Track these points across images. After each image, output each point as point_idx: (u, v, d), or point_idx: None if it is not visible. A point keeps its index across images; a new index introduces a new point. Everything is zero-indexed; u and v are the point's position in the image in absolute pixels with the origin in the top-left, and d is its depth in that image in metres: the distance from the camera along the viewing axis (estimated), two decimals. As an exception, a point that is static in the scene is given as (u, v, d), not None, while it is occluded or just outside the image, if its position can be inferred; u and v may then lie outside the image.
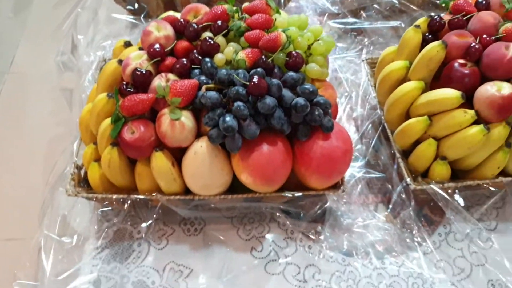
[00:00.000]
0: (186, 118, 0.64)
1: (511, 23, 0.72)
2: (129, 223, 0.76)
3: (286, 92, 0.65)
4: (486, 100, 0.68)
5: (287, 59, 0.68)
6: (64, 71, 0.99)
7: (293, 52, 0.68)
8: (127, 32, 1.08)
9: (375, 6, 1.07)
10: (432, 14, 0.79)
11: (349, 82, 0.99)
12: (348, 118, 0.93)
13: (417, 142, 0.75)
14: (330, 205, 0.77)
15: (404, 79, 0.78)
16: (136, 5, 1.05)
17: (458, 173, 0.76)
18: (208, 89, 0.65)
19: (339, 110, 0.92)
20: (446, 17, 0.79)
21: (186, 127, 0.64)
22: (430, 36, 0.78)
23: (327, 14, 1.13)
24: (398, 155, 0.77)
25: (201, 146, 0.65)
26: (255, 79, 0.63)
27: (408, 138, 0.75)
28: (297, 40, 0.70)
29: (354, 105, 0.95)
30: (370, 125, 0.90)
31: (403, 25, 1.04)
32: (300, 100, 0.64)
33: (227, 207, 0.76)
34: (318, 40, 0.71)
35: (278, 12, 0.75)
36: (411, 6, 1.06)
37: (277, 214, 0.76)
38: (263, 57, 0.67)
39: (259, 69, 0.65)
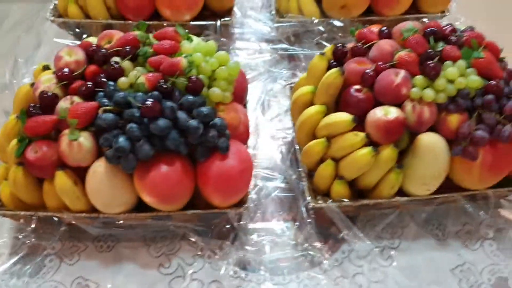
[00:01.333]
0: (85, 139, 0.68)
1: (405, 51, 0.76)
2: (43, 239, 0.79)
3: (182, 115, 0.68)
4: (374, 124, 0.72)
5: (187, 83, 0.72)
6: (2, 92, 1.03)
7: (193, 77, 0.72)
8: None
9: (308, 33, 1.12)
10: (339, 43, 0.83)
11: (278, 105, 1.03)
12: (274, 139, 0.97)
13: (321, 162, 0.79)
14: (239, 222, 0.80)
15: (311, 103, 0.82)
16: (77, 30, 1.09)
17: (363, 193, 0.80)
18: (107, 111, 0.68)
19: (266, 131, 0.96)
20: (350, 45, 0.83)
21: (83, 147, 0.68)
22: (334, 63, 0.82)
23: (266, 40, 1.17)
24: (302, 174, 0.81)
25: (100, 166, 0.69)
26: (148, 102, 0.66)
27: (311, 159, 0.79)
28: (201, 65, 0.74)
29: (280, 127, 0.99)
30: (289, 145, 0.93)
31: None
32: (193, 122, 0.67)
33: (139, 225, 0.79)
34: (222, 66, 0.75)
35: (189, 39, 0.79)
36: (340, 34, 1.10)
37: (188, 232, 0.79)
38: (161, 81, 0.71)
39: (155, 92, 0.69)
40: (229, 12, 1.13)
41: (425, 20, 1.11)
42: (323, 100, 0.79)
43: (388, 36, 0.82)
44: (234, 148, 0.72)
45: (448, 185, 0.78)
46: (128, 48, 0.75)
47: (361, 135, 0.73)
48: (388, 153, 0.72)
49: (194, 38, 0.82)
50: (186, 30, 0.81)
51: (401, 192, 0.77)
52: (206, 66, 0.74)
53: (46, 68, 0.81)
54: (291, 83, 0.97)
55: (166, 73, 0.72)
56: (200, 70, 0.74)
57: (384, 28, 0.82)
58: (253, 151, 0.90)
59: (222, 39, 1.10)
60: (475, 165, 0.73)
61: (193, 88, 0.71)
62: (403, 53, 0.76)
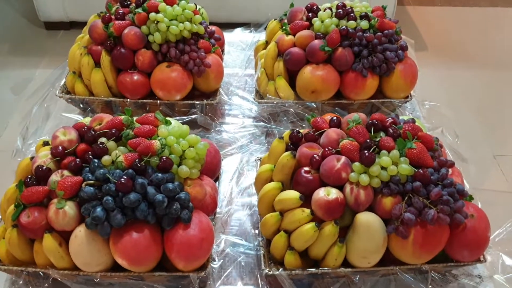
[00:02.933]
0: (70, 208, 0.81)
1: (349, 140, 0.89)
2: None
3: (151, 189, 0.81)
4: (317, 202, 0.84)
5: (159, 162, 0.85)
6: (14, 157, 1.18)
7: (163, 157, 0.85)
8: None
9: (284, 113, 1.26)
10: (295, 129, 0.97)
11: (251, 176, 1.15)
12: (244, 208, 1.08)
13: (277, 232, 0.90)
14: (202, 285, 0.90)
15: (271, 179, 0.94)
16: (81, 105, 1.25)
17: (316, 262, 0.90)
18: (88, 185, 0.81)
19: (238, 199, 1.08)
20: (305, 131, 0.96)
21: (68, 215, 0.80)
22: (291, 146, 0.95)
23: (248, 117, 1.31)
24: (260, 244, 0.91)
25: (80, 231, 0.81)
26: (123, 179, 0.79)
27: (268, 230, 0.90)
28: (173, 146, 0.87)
29: (250, 196, 1.10)
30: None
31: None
32: (159, 197, 0.80)
33: (117, 283, 0.90)
34: (191, 147, 0.89)
35: (167, 123, 0.94)
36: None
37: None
38: (137, 160, 0.84)
39: (130, 170, 0.82)
40: (216, 92, 1.28)
41: (387, 105, 1.25)
42: (279, 178, 0.91)
43: (338, 125, 0.95)
44: (197, 219, 0.84)
45: (392, 259, 0.88)
46: (113, 130, 0.89)
47: (307, 211, 0.84)
48: (329, 229, 0.83)
49: (173, 121, 0.96)
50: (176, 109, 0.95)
51: (347, 263, 0.87)
52: (178, 147, 0.88)
53: (45, 143, 0.95)
54: (260, 158, 1.09)
55: (142, 153, 0.86)
56: (172, 150, 0.87)
57: (335, 117, 0.95)
58: (225, 218, 1.02)
59: (209, 115, 1.25)
60: (408, 242, 0.83)
61: (163, 166, 0.84)
62: (346, 142, 0.88)
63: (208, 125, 1.25)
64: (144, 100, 1.23)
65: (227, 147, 1.22)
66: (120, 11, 1.23)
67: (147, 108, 1.24)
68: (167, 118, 0.95)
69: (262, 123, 1.28)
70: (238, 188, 1.10)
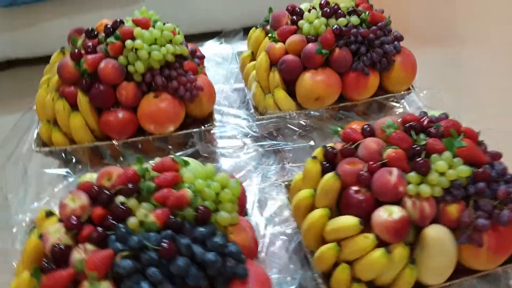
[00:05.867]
0: (105, 289, 0.68)
1: (392, 148, 0.81)
2: None
3: (197, 249, 0.69)
4: (382, 226, 0.75)
5: (196, 214, 0.73)
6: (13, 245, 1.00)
7: (200, 207, 0.73)
8: (59, 183, 1.10)
9: (289, 126, 1.17)
10: (327, 144, 0.88)
11: (273, 202, 1.05)
12: (277, 238, 0.98)
13: (335, 265, 0.80)
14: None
15: (313, 206, 0.85)
16: (64, 156, 1.10)
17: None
18: (123, 258, 0.69)
19: (268, 230, 0.98)
20: (338, 145, 0.88)
21: (105, 298, 0.67)
22: (327, 165, 0.86)
23: (249, 136, 1.21)
24: (319, 280, 0.82)
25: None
26: (164, 244, 0.67)
27: (325, 264, 0.80)
28: (204, 191, 0.76)
29: (279, 224, 1.01)
30: (294, 245, 0.95)
31: (313, 143, 1.14)
32: (211, 256, 0.68)
33: None
34: (225, 188, 0.78)
35: (186, 164, 0.82)
36: (320, 121, 1.16)
37: None
38: (171, 216, 0.72)
39: (168, 232, 0.70)
40: (210, 115, 1.16)
41: (392, 99, 1.19)
42: (324, 204, 0.83)
43: (371, 133, 0.87)
44: (252, 271, 0.73)
45: (460, 267, 0.81)
46: (130, 185, 0.77)
47: (371, 237, 0.76)
48: (400, 252, 0.75)
49: (190, 161, 0.84)
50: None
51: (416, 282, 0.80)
52: (209, 191, 0.76)
53: (49, 213, 0.80)
54: (286, 181, 1.00)
55: (174, 207, 0.74)
56: (204, 196, 0.76)
57: (366, 126, 0.88)
58: (265, 257, 0.91)
59: (208, 144, 1.13)
60: (482, 250, 0.77)
61: (202, 218, 0.73)
62: (390, 151, 0.81)
63: (211, 153, 1.13)
64: (135, 139, 1.09)
65: (236, 174, 1.11)
66: (88, 43, 1.08)
67: (139, 146, 1.11)
68: (185, 158, 0.83)
69: (265, 141, 1.18)
70: (266, 219, 1.00)
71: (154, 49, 1.05)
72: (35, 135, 1.11)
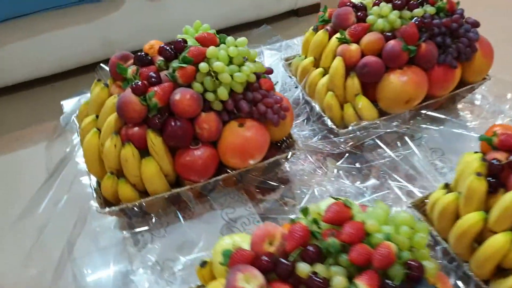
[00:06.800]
0: None
1: None
2: None
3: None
4: None
5: (407, 271, 0.59)
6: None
7: (411, 262, 0.60)
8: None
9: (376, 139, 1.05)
10: (488, 158, 0.77)
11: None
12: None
13: None
14: None
15: (483, 231, 0.74)
16: (135, 210, 0.90)
17: None
18: None
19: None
20: (496, 155, 0.77)
21: None
22: (493, 180, 0.75)
23: (327, 155, 1.06)
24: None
25: None
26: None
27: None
28: (400, 240, 0.62)
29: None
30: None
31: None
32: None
33: None
34: (420, 233, 0.64)
35: (352, 205, 0.67)
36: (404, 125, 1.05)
37: None
38: (387, 281, 0.58)
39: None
40: (289, 137, 1.02)
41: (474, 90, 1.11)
42: (506, 227, 0.72)
43: (531, 136, 0.77)
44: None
45: None
46: (311, 249, 0.61)
47: None
48: None
49: (355, 204, 0.70)
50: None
51: None
52: (404, 239, 0.63)
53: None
54: (412, 203, 0.88)
55: (381, 268, 0.59)
56: (401, 246, 0.62)
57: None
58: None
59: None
60: None
61: (418, 276, 0.60)
62: None
63: (305, 184, 0.99)
64: (218, 177, 0.92)
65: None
66: (150, 73, 0.89)
67: (220, 183, 0.94)
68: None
69: (348, 157, 1.05)
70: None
71: (235, 71, 0.88)
72: (93, 193, 0.90)
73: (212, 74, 0.87)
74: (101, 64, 1.10)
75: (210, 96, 0.88)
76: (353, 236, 0.62)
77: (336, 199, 0.67)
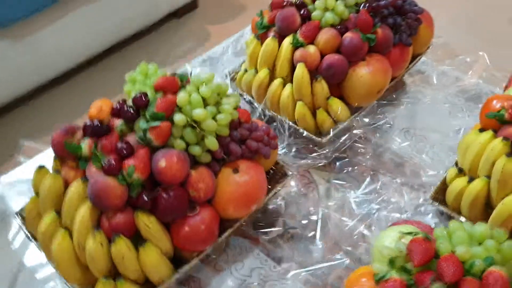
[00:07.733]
0: None
1: None
2: None
3: None
4: None
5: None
6: None
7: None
8: None
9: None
10: (503, 135, 0.74)
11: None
12: None
13: None
14: None
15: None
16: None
17: None
18: None
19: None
20: (510, 129, 0.75)
21: None
22: (521, 157, 0.73)
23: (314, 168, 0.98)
24: None
25: None
26: None
27: None
28: (496, 259, 0.57)
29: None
30: None
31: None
32: None
33: None
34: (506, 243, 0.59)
35: (428, 235, 0.60)
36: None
37: None
38: None
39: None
40: (277, 163, 0.91)
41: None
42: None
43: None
44: None
45: None
46: None
47: None
48: None
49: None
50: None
51: None
52: (502, 258, 0.57)
53: None
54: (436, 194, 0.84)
55: (501, 299, 0.53)
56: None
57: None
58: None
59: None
60: None
61: None
62: None
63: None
64: (225, 234, 0.80)
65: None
66: (117, 143, 0.72)
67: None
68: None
69: (338, 165, 0.98)
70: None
71: (215, 113, 0.75)
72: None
73: (193, 124, 0.73)
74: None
75: (195, 150, 0.74)
76: (457, 274, 0.55)
77: (408, 233, 0.59)
